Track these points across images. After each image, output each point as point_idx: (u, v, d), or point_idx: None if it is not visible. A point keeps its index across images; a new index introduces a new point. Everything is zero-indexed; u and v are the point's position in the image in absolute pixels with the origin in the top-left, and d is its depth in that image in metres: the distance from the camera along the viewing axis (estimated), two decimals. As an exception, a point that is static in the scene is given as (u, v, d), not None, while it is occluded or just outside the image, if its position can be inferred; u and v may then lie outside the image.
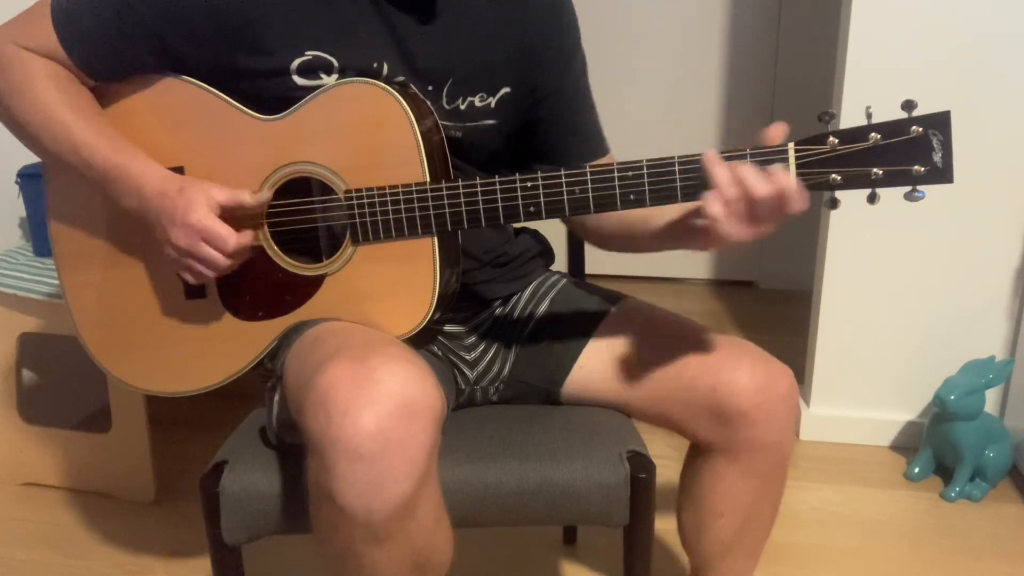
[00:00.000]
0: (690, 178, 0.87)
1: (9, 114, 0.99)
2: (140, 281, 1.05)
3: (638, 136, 2.83)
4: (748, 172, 0.82)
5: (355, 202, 0.95)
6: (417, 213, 0.94)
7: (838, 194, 0.87)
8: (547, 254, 1.23)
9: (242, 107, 0.98)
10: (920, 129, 0.82)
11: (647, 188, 0.89)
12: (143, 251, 1.04)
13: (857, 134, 0.84)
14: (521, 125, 1.09)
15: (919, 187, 0.84)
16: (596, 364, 1.08)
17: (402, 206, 0.94)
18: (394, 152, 0.94)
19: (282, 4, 0.94)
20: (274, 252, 1.00)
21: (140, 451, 1.68)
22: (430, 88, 1.01)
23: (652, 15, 2.78)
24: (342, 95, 0.94)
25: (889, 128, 0.83)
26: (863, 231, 1.79)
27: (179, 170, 1.00)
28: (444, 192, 0.93)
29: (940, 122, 0.82)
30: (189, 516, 1.68)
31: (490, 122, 1.05)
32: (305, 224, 0.99)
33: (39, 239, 1.77)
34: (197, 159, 1.00)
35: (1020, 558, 1.54)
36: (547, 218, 0.94)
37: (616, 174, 0.89)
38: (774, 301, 2.86)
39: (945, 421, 1.69)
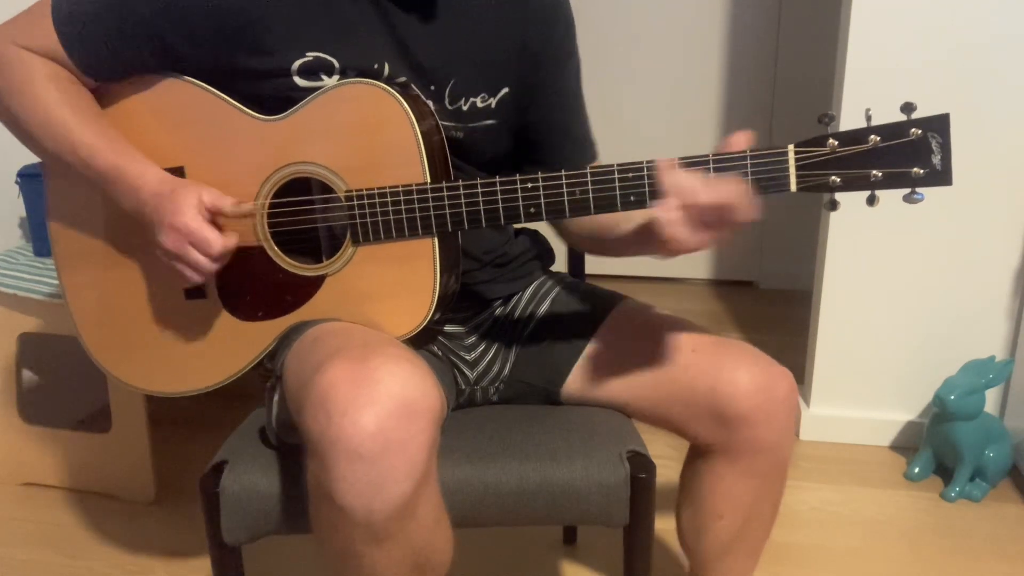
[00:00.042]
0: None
1: (9, 114, 0.99)
2: (140, 281, 1.05)
3: (638, 136, 2.84)
4: (693, 180, 0.82)
5: (355, 203, 0.95)
6: (417, 214, 0.95)
7: (837, 196, 0.87)
8: (547, 255, 1.23)
9: (242, 107, 0.98)
10: (919, 131, 0.82)
11: (647, 190, 0.89)
12: (143, 251, 1.04)
13: (857, 136, 0.84)
14: (521, 126, 1.09)
15: (918, 189, 0.84)
16: (596, 365, 1.08)
17: (402, 207, 0.95)
18: (394, 152, 0.94)
19: (283, 5, 0.94)
20: (274, 252, 1.00)
21: (140, 451, 1.68)
22: (432, 88, 1.01)
23: (652, 15, 2.78)
24: (343, 96, 0.94)
25: (888, 130, 0.83)
26: (863, 231, 1.79)
27: (179, 170, 1.00)
28: (444, 193, 0.93)
29: (939, 125, 0.82)
30: (189, 516, 1.68)
31: (491, 122, 1.05)
32: (305, 224, 0.99)
33: (39, 239, 1.77)
34: (197, 159, 1.00)
35: (1020, 558, 1.54)
36: (548, 219, 0.94)
37: (616, 175, 0.89)
38: (774, 301, 2.86)
39: (945, 421, 1.69)
